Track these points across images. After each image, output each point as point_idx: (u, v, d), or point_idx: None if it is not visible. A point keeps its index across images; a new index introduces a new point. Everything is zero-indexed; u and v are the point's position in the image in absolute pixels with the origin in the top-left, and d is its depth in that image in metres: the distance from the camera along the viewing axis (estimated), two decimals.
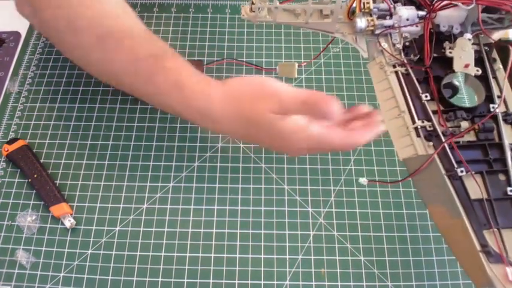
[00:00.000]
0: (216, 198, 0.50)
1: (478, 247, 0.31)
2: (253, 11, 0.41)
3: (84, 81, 0.58)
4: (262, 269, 0.46)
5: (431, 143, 0.36)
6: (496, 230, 0.32)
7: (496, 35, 0.42)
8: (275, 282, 0.45)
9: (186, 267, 0.46)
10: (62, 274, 0.45)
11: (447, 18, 0.39)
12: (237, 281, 0.45)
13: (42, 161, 0.51)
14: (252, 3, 0.41)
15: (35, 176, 0.49)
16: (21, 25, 0.62)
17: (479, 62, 0.39)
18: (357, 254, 0.47)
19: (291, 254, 0.47)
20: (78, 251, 0.47)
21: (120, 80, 0.42)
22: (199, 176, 0.51)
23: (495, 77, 0.39)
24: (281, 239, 0.47)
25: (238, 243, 0.47)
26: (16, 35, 0.62)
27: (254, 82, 0.38)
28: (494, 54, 0.40)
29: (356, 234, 0.48)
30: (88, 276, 0.45)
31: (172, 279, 0.45)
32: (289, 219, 0.49)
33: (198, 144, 0.53)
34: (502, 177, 0.35)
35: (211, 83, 0.39)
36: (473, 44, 0.39)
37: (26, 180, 0.50)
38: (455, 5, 0.38)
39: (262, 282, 0.45)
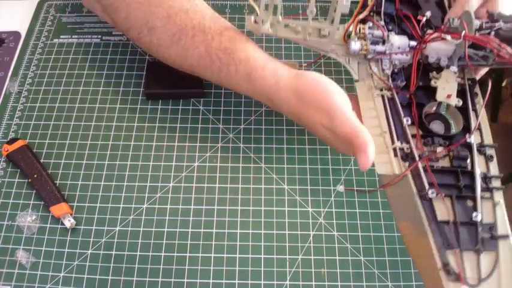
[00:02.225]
0: (216, 198, 0.50)
1: (440, 265, 0.33)
2: (257, 23, 0.44)
3: (84, 81, 0.58)
4: (262, 269, 0.46)
5: (407, 163, 0.38)
6: (458, 251, 0.34)
7: (481, 72, 0.45)
8: (275, 282, 0.45)
9: (186, 267, 0.46)
10: (62, 274, 0.45)
11: (436, 50, 0.42)
12: (237, 281, 0.45)
13: (42, 161, 0.51)
14: (256, 14, 0.43)
15: (35, 176, 0.49)
16: (21, 25, 0.62)
17: (461, 94, 0.41)
18: (357, 254, 0.47)
19: (291, 254, 0.47)
20: (78, 251, 0.47)
21: (195, 70, 0.47)
22: (199, 176, 0.51)
23: (475, 110, 0.41)
24: (281, 239, 0.47)
25: (238, 243, 0.47)
26: (16, 35, 0.62)
27: (320, 90, 0.40)
28: (477, 89, 0.43)
29: (356, 234, 0.48)
30: (88, 276, 0.45)
31: (172, 279, 0.45)
32: (289, 219, 0.49)
33: (198, 144, 0.53)
34: (469, 203, 0.36)
35: (281, 76, 0.42)
36: (458, 77, 0.42)
37: (26, 180, 0.50)
38: (444, 38, 0.40)
39: (262, 282, 0.45)
